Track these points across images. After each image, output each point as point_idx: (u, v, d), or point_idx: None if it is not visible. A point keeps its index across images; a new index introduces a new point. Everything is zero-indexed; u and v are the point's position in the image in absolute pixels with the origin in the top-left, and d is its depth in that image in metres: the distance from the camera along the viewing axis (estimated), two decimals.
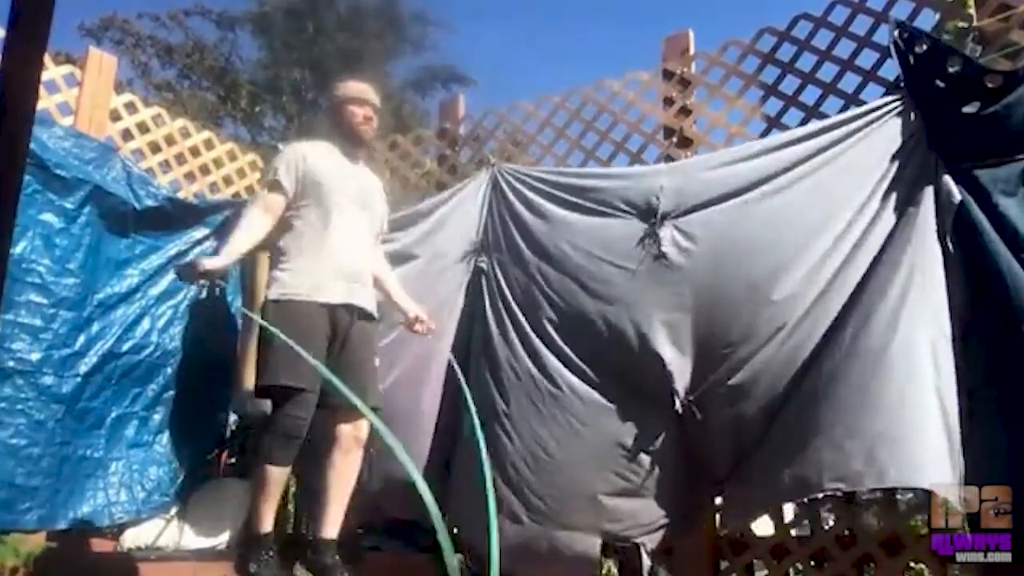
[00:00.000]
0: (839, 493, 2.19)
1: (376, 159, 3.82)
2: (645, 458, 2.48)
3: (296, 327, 2.38)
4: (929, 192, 2.26)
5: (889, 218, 2.32)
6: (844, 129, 2.45)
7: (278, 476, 2.41)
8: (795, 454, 2.18)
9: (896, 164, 2.36)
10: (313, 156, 2.62)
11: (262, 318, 2.47)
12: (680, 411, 2.42)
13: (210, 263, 2.39)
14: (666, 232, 2.58)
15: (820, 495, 2.15)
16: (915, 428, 1.99)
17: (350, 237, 2.58)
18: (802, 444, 2.17)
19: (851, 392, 2.12)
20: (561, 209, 2.86)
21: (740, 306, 2.41)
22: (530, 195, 2.96)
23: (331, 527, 2.47)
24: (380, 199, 2.82)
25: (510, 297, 2.86)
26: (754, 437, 2.36)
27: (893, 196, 2.34)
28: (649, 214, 2.63)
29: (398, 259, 3.10)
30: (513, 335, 2.79)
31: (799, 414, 2.25)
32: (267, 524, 2.43)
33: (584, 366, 2.65)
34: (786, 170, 2.48)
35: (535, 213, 2.92)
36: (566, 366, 2.68)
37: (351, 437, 2.52)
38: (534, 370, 2.71)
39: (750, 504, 2.39)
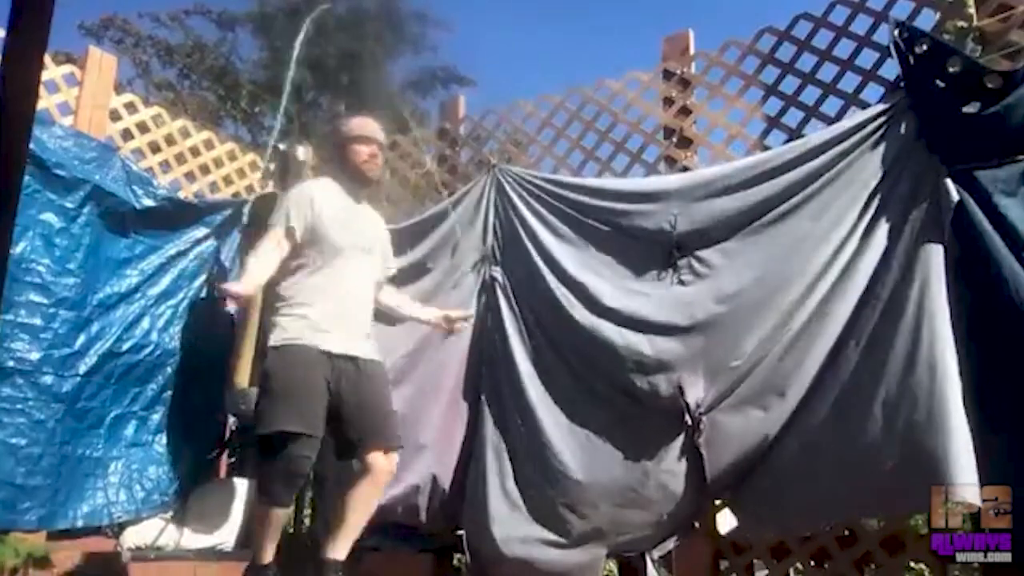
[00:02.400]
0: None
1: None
2: (654, 470, 2.48)
3: (296, 371, 2.38)
4: (930, 194, 2.26)
5: (892, 222, 2.33)
6: (849, 141, 2.44)
7: (281, 515, 2.41)
8: (827, 476, 2.20)
9: (897, 167, 2.36)
10: (319, 201, 2.56)
11: (264, 365, 2.45)
12: (690, 423, 2.42)
13: (235, 290, 2.38)
14: (683, 262, 2.61)
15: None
16: (948, 443, 1.98)
17: (353, 285, 2.56)
18: (835, 464, 2.19)
19: (880, 409, 2.13)
20: (572, 228, 2.86)
21: (748, 318, 2.43)
22: (539, 207, 2.95)
23: (341, 550, 2.40)
24: (383, 240, 2.79)
25: (529, 313, 2.86)
26: (769, 447, 2.36)
27: (894, 200, 2.34)
28: (664, 242, 2.65)
29: (412, 273, 3.10)
30: (531, 348, 2.79)
31: (823, 428, 2.25)
32: (268, 555, 2.43)
33: (598, 381, 2.67)
34: (796, 191, 2.50)
35: (547, 226, 2.90)
36: (581, 381, 2.69)
37: (385, 471, 2.46)
38: (552, 384, 2.72)
39: (781, 523, 2.38)
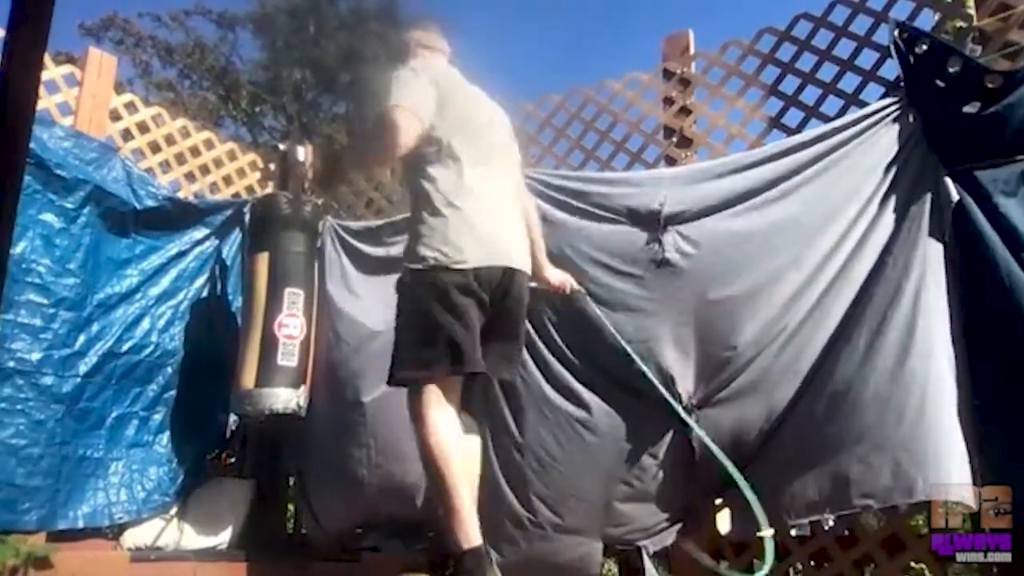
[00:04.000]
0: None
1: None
2: (649, 462, 2.48)
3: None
4: (930, 193, 2.26)
5: (890, 220, 2.33)
6: (844, 135, 2.45)
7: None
8: (819, 467, 2.19)
9: (896, 165, 2.37)
10: None
11: None
12: (682, 415, 2.42)
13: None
14: (669, 238, 2.58)
15: (850, 512, 2.15)
16: (939, 437, 1.99)
17: None
18: (825, 456, 2.18)
19: (872, 400, 2.13)
20: (563, 213, 2.85)
21: (741, 310, 2.43)
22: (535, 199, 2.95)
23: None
24: None
25: None
26: (761, 441, 2.36)
27: (893, 198, 2.34)
28: (652, 220, 2.63)
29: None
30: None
31: (816, 422, 2.24)
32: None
33: (588, 371, 2.66)
34: (787, 178, 2.50)
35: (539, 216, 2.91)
36: (570, 371, 2.69)
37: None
38: (540, 377, 2.72)
39: (775, 518, 2.37)
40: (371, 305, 3.19)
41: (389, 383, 2.13)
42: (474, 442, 2.21)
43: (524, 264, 2.21)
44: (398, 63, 2.32)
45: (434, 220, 2.09)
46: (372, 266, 3.35)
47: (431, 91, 2.13)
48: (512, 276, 2.15)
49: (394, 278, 2.99)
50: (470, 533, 1.94)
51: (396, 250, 3.22)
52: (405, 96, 2.07)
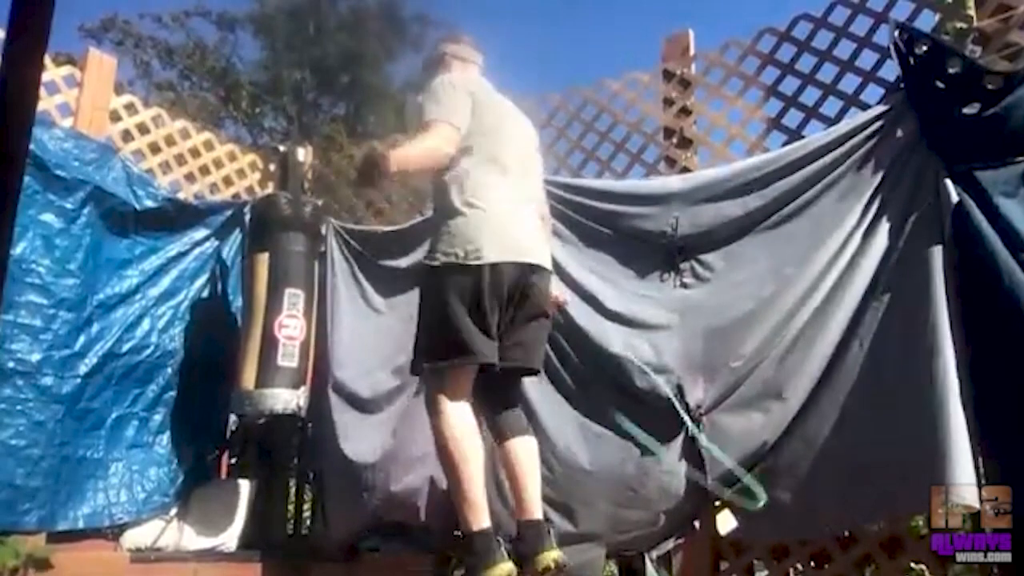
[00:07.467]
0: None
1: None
2: (655, 470, 2.48)
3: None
4: (930, 195, 2.26)
5: (892, 222, 2.33)
6: (851, 142, 2.44)
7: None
8: (829, 477, 2.20)
9: (896, 167, 2.37)
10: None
11: None
12: (689, 423, 2.42)
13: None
14: (686, 266, 2.63)
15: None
16: (949, 444, 1.98)
17: None
18: (835, 465, 2.19)
19: (880, 409, 2.13)
20: (572, 230, 2.86)
21: (748, 320, 2.45)
22: None
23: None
24: None
25: None
26: (770, 449, 2.36)
27: (894, 200, 2.35)
28: (665, 245, 2.65)
29: (414, 276, 3.10)
30: None
31: (826, 431, 2.25)
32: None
33: (600, 382, 2.67)
34: (799, 193, 2.50)
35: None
36: (582, 382, 2.70)
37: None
38: (553, 386, 2.73)
39: (782, 525, 2.36)
40: (383, 312, 3.22)
41: (411, 372, 2.33)
42: (529, 443, 2.30)
43: (544, 261, 2.30)
44: (433, 74, 2.49)
45: (454, 220, 2.20)
46: (381, 274, 3.36)
47: (467, 101, 2.28)
48: (533, 271, 2.24)
49: (401, 285, 3.03)
50: (480, 517, 2.08)
51: (405, 261, 3.24)
52: (444, 110, 2.23)
